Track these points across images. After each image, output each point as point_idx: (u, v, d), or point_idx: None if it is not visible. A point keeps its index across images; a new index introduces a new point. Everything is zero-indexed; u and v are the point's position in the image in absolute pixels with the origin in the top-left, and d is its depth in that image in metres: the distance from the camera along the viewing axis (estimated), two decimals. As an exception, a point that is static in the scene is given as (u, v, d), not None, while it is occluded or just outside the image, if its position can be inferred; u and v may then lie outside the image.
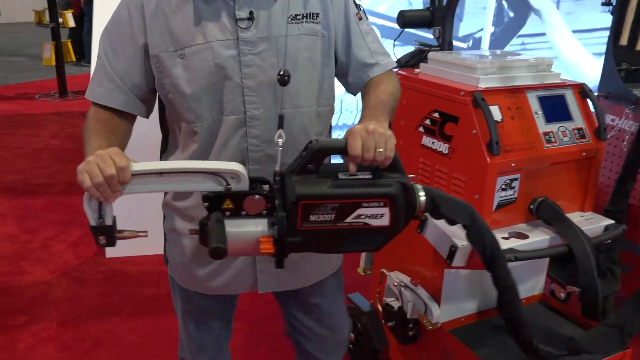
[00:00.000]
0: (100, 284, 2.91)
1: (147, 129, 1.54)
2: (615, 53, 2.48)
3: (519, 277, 1.43)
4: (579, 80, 1.83)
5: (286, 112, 1.23)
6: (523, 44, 3.19)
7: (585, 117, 1.75)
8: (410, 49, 2.16)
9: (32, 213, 3.70)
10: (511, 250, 1.56)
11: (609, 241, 1.79)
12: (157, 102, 1.37)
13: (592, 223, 1.74)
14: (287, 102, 1.25)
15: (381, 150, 1.05)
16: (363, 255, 2.25)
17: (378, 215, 1.05)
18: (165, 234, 1.44)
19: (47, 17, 6.48)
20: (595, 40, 3.05)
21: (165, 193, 1.39)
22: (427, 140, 1.75)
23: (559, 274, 2.11)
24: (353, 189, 1.05)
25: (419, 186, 1.13)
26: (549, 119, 1.68)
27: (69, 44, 6.70)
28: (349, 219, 1.04)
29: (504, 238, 1.62)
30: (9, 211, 3.72)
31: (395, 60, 1.96)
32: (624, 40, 2.41)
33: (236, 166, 1.07)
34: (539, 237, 1.64)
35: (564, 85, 1.75)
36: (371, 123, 1.10)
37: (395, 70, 1.67)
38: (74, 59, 6.90)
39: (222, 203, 1.06)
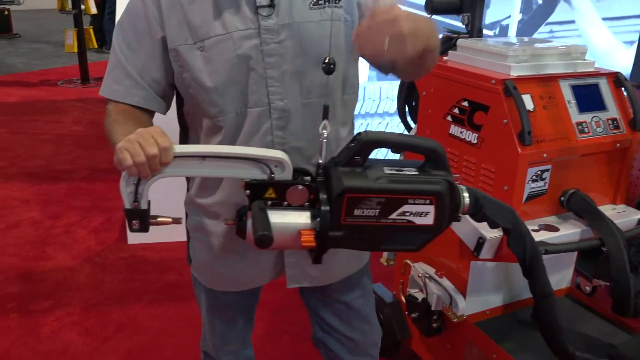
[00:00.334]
0: (122, 270, 2.93)
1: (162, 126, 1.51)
2: (648, 41, 2.40)
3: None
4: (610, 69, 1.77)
5: (311, 101, 1.20)
6: (551, 31, 3.11)
7: (619, 106, 1.69)
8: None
9: (55, 199, 3.74)
10: (542, 243, 1.53)
11: (642, 235, 1.75)
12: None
13: (624, 216, 1.69)
14: (313, 90, 1.21)
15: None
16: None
17: (423, 213, 1.01)
18: (188, 233, 1.40)
19: (69, 4, 6.49)
20: (626, 28, 2.97)
21: (188, 190, 1.36)
22: (455, 130, 1.72)
23: (585, 267, 2.07)
24: (401, 184, 1.01)
25: (463, 187, 1.09)
26: (582, 108, 1.63)
27: (91, 31, 6.72)
28: (393, 216, 1.00)
29: (533, 230, 1.58)
30: (32, 197, 3.76)
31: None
32: (658, 28, 2.33)
33: (281, 154, 1.04)
34: (570, 230, 1.61)
35: (598, 74, 1.70)
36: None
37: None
38: (95, 46, 6.91)
39: (265, 192, 1.03)
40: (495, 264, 1.80)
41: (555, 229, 1.61)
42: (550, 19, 3.12)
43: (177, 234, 1.38)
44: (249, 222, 1.03)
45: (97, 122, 5.33)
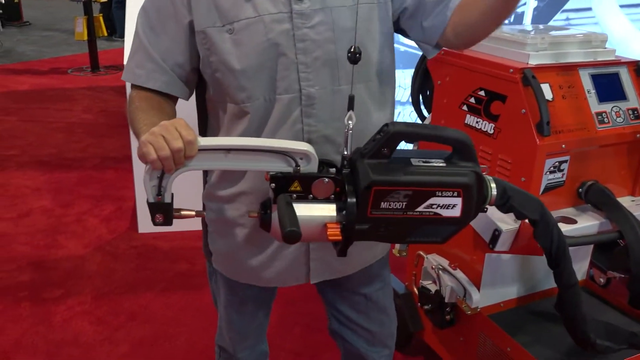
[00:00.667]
0: (134, 259, 2.93)
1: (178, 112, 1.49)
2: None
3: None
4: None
5: (342, 88, 1.16)
6: (567, 19, 3.05)
7: (640, 96, 1.66)
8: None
9: (66, 187, 3.74)
10: (559, 235, 1.50)
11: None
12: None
13: (643, 208, 1.66)
14: (343, 76, 1.17)
15: None
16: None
17: (450, 206, 0.99)
18: (206, 226, 1.37)
19: (79, -9, 6.49)
20: (645, 16, 2.91)
21: (205, 183, 1.34)
22: (471, 120, 1.69)
23: (600, 258, 2.04)
24: (428, 176, 0.99)
25: (490, 177, 1.07)
26: (602, 98, 1.60)
27: (101, 19, 6.71)
28: (420, 208, 0.99)
29: (550, 223, 1.56)
30: (44, 185, 3.77)
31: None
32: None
33: (307, 146, 1.02)
34: (588, 223, 1.58)
35: (618, 63, 1.66)
36: None
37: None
38: (105, 34, 6.90)
39: (290, 185, 1.01)
40: (510, 256, 1.77)
41: (573, 221, 1.58)
42: (566, 6, 3.06)
43: (188, 223, 1.36)
44: (274, 215, 1.02)
45: (107, 111, 5.33)
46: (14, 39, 8.52)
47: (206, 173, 1.35)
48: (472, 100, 1.67)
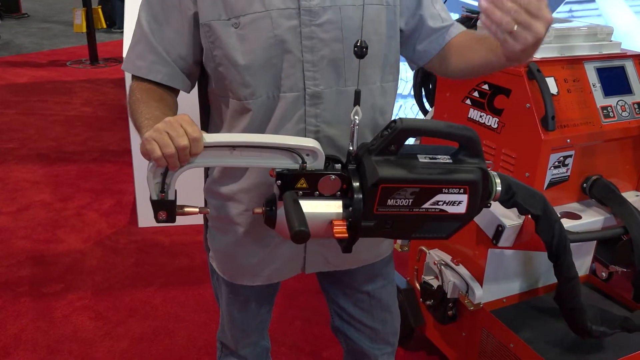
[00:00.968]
0: (134, 254, 2.92)
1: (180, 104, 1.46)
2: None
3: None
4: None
5: (347, 89, 1.14)
6: (570, 11, 3.03)
7: (646, 90, 1.64)
8: (456, 17, 2.05)
9: (66, 181, 3.73)
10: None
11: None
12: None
13: (648, 203, 1.64)
14: (350, 77, 1.15)
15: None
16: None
17: (456, 202, 0.99)
18: (206, 222, 1.35)
19: (77, -17, 6.45)
20: (649, 8, 2.88)
21: (206, 178, 1.32)
22: (474, 114, 1.67)
23: (602, 253, 2.03)
24: (436, 174, 0.98)
25: (494, 173, 1.07)
26: (608, 92, 1.58)
27: (100, 11, 6.66)
28: (426, 205, 0.98)
29: (555, 218, 1.54)
30: (43, 178, 3.75)
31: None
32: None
33: (314, 143, 1.01)
34: (593, 218, 1.56)
35: (624, 56, 1.64)
36: None
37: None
38: (104, 26, 6.86)
39: (297, 182, 1.00)
40: (512, 251, 1.76)
41: (577, 217, 1.57)
42: (569, -2, 3.04)
43: (189, 217, 1.33)
44: (279, 212, 1.01)
45: (106, 104, 5.31)
46: (12, 31, 8.48)
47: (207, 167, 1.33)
48: (476, 94, 1.65)
